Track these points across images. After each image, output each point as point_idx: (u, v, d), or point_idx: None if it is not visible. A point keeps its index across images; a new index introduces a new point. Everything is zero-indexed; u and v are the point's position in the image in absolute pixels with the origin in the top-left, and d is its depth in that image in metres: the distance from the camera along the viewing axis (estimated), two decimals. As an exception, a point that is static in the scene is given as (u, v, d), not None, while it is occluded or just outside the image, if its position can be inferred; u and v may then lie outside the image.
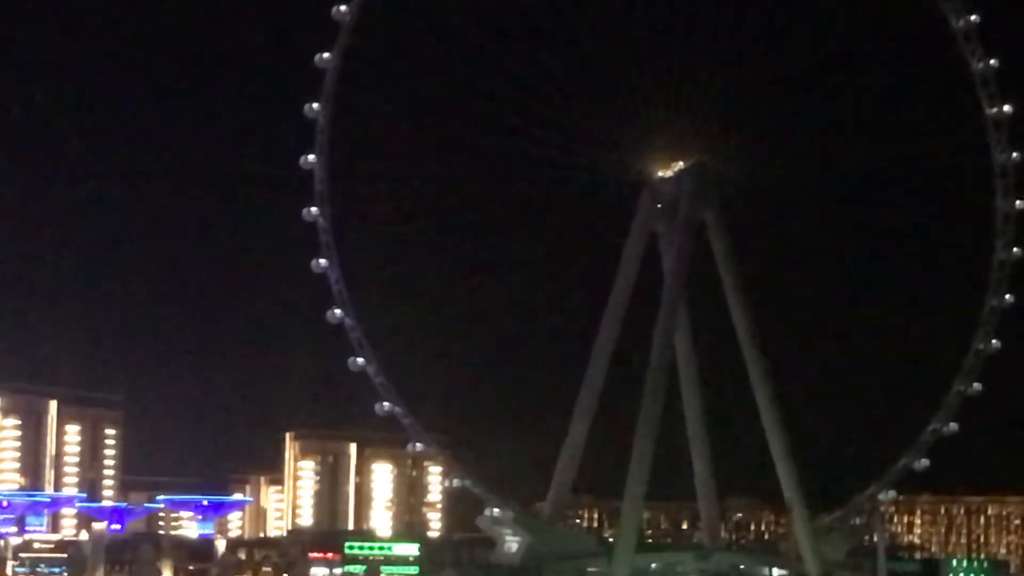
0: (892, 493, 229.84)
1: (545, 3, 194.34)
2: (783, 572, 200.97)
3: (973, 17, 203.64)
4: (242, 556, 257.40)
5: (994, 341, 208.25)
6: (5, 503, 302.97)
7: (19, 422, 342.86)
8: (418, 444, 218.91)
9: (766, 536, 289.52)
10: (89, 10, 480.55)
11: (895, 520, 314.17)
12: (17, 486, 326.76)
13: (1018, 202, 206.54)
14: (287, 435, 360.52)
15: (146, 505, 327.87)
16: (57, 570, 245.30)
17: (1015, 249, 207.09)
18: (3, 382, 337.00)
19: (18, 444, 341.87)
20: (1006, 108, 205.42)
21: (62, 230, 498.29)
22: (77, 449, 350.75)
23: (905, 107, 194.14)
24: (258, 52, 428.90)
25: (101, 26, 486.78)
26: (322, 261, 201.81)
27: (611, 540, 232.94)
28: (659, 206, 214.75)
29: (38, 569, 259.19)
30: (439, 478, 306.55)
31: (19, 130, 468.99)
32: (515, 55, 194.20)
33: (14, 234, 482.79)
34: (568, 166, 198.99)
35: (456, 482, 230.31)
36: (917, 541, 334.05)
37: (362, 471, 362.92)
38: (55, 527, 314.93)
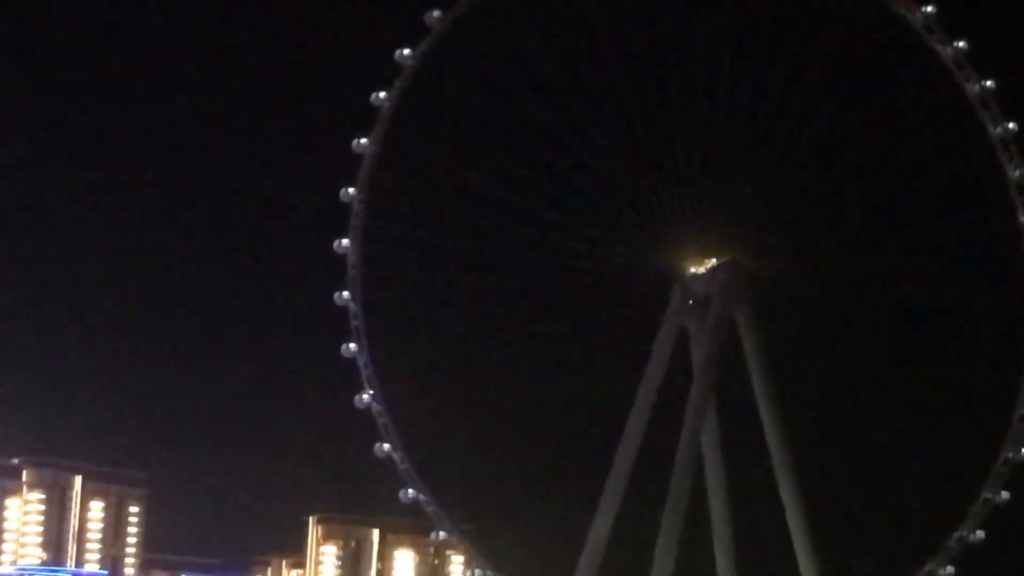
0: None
1: (586, 108, 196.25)
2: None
3: (1011, 125, 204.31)
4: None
5: (1023, 451, 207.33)
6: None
7: (43, 496, 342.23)
8: (441, 532, 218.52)
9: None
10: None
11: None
12: (39, 561, 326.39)
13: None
14: (311, 519, 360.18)
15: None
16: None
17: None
18: (29, 456, 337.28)
19: (42, 519, 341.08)
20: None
21: (91, 312, 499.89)
22: (100, 525, 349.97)
23: (942, 216, 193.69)
24: (293, 138, 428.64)
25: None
26: (352, 346, 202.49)
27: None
28: (690, 302, 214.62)
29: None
30: (461, 567, 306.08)
31: (41, 204, 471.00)
32: (553, 153, 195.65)
33: (44, 313, 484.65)
34: (603, 263, 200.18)
35: (479, 572, 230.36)
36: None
37: (384, 557, 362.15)
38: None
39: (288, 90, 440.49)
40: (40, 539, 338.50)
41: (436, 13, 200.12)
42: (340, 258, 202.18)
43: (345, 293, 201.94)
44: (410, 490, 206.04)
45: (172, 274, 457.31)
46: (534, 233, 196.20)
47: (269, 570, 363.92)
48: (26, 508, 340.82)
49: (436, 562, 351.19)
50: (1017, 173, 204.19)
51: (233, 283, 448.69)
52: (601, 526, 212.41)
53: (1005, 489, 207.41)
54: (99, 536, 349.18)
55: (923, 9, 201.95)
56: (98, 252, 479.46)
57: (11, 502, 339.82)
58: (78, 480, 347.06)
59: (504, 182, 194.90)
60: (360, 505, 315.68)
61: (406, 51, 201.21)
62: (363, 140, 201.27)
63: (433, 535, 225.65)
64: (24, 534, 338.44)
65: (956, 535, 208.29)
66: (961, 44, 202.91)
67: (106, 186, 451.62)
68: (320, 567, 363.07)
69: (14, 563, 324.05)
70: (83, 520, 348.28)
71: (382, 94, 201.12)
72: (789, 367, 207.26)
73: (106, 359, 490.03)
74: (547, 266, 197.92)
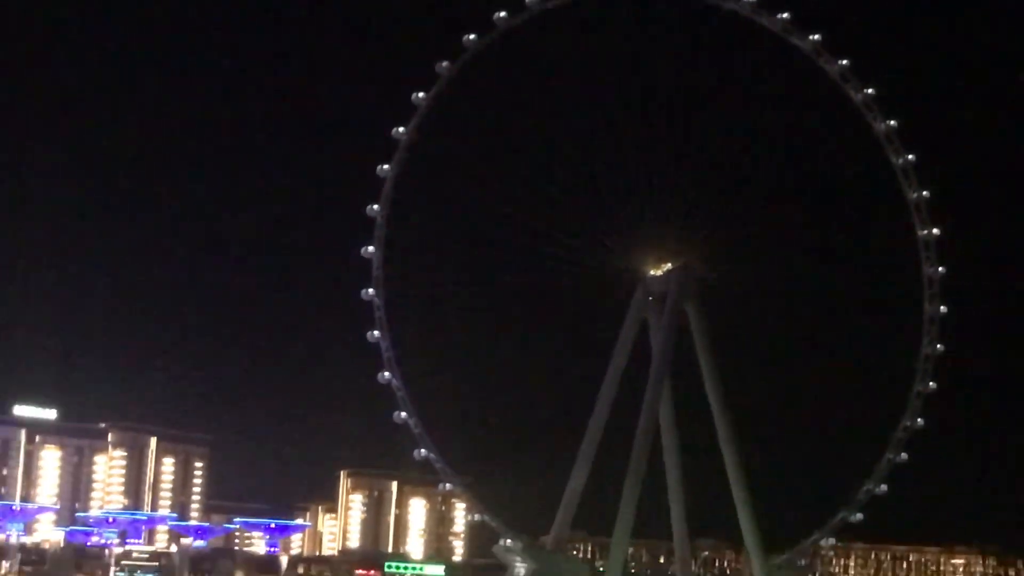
0: (831, 540, 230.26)
1: (574, 147, 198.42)
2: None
3: (911, 156, 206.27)
4: (300, 571, 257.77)
5: (919, 419, 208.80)
6: (111, 519, 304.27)
7: (125, 454, 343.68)
8: (447, 484, 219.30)
9: (728, 571, 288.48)
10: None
11: (833, 563, 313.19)
12: (121, 506, 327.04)
13: (942, 307, 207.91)
14: (342, 472, 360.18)
15: (225, 525, 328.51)
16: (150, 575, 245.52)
17: (938, 345, 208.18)
18: (113, 421, 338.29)
19: (123, 472, 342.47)
20: (935, 231, 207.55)
21: (164, 304, 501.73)
22: (171, 477, 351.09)
23: (850, 231, 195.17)
24: (333, 171, 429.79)
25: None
26: (375, 333, 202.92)
27: (601, 569, 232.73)
28: (650, 299, 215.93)
29: (135, 574, 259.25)
30: (463, 513, 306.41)
31: (123, 205, 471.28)
32: (547, 183, 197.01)
33: (126, 305, 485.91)
34: (580, 266, 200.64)
35: (477, 517, 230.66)
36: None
37: (401, 504, 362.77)
38: (150, 540, 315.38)
39: (327, 127, 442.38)
40: (122, 489, 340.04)
41: (444, 63, 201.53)
42: (366, 262, 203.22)
43: (371, 291, 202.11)
44: (422, 450, 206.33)
45: (234, 274, 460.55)
46: (529, 243, 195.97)
47: (307, 514, 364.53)
48: (111, 464, 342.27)
49: (443, 508, 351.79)
50: (915, 195, 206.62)
51: (282, 283, 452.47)
52: (576, 480, 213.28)
53: (904, 452, 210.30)
54: (170, 486, 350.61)
55: (840, 62, 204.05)
56: (176, 253, 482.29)
57: (99, 459, 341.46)
58: (153, 441, 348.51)
59: (503, 202, 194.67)
60: (382, 462, 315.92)
61: (420, 94, 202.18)
62: (385, 166, 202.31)
63: (441, 487, 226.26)
64: (109, 485, 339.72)
65: (864, 488, 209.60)
66: (870, 91, 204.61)
67: (177, 193, 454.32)
68: (349, 512, 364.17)
69: (101, 507, 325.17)
70: (157, 473, 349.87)
71: (400, 128, 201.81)
72: (729, 350, 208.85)
73: (176, 341, 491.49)
74: (538, 269, 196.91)
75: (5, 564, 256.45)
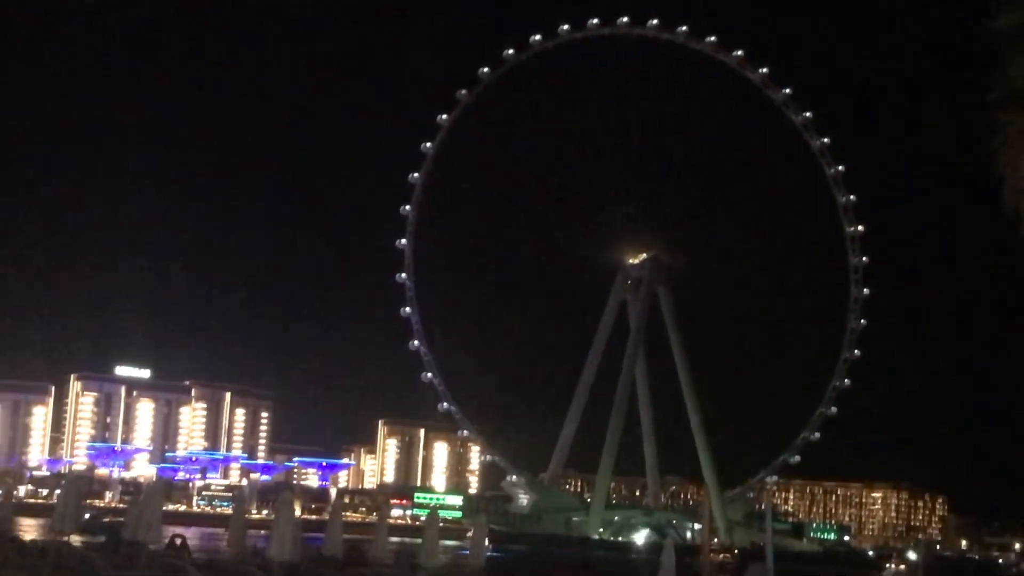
0: (774, 477, 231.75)
1: (568, 162, 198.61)
2: (700, 526, 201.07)
3: (840, 167, 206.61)
4: (346, 500, 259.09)
5: (846, 380, 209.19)
6: (194, 458, 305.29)
7: (205, 406, 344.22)
8: (465, 431, 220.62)
9: (691, 502, 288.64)
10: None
11: (776, 495, 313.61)
12: (202, 448, 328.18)
13: (865, 290, 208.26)
14: (379, 421, 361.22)
15: (285, 464, 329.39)
16: (225, 504, 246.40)
17: (861, 320, 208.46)
18: (196, 379, 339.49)
19: (204, 421, 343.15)
20: (860, 228, 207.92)
21: (237, 281, 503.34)
22: (242, 425, 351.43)
23: (790, 229, 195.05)
24: (367, 172, 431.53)
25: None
26: (407, 309, 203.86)
27: (588, 500, 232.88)
28: (628, 283, 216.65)
29: (213, 503, 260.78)
30: (478, 454, 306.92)
31: (204, 191, 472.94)
32: (545, 187, 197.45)
33: (204, 280, 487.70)
34: (573, 255, 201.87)
35: (489, 457, 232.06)
36: (790, 510, 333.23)
37: (427, 447, 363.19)
38: (225, 475, 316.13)
39: (369, 141, 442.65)
40: (203, 434, 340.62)
41: (463, 91, 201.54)
42: (400, 252, 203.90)
43: (403, 275, 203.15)
44: (445, 404, 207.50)
45: (293, 261, 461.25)
46: (532, 238, 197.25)
47: (352, 455, 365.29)
48: (194, 414, 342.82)
49: (461, 450, 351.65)
50: (844, 199, 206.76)
51: (332, 269, 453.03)
52: (568, 428, 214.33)
53: (834, 406, 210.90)
54: (241, 432, 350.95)
55: (783, 91, 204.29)
56: (247, 242, 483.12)
57: (184, 409, 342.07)
58: (228, 395, 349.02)
59: (512, 205, 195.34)
60: (412, 413, 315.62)
61: (443, 116, 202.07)
62: (415, 174, 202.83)
63: (460, 433, 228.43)
64: (192, 430, 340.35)
65: (801, 435, 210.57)
66: (807, 114, 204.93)
67: (250, 188, 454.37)
68: (386, 453, 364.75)
69: (186, 449, 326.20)
70: (231, 421, 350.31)
71: (428, 144, 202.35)
72: (692, 324, 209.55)
73: (247, 314, 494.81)
74: (539, 258, 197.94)
75: (109, 494, 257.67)
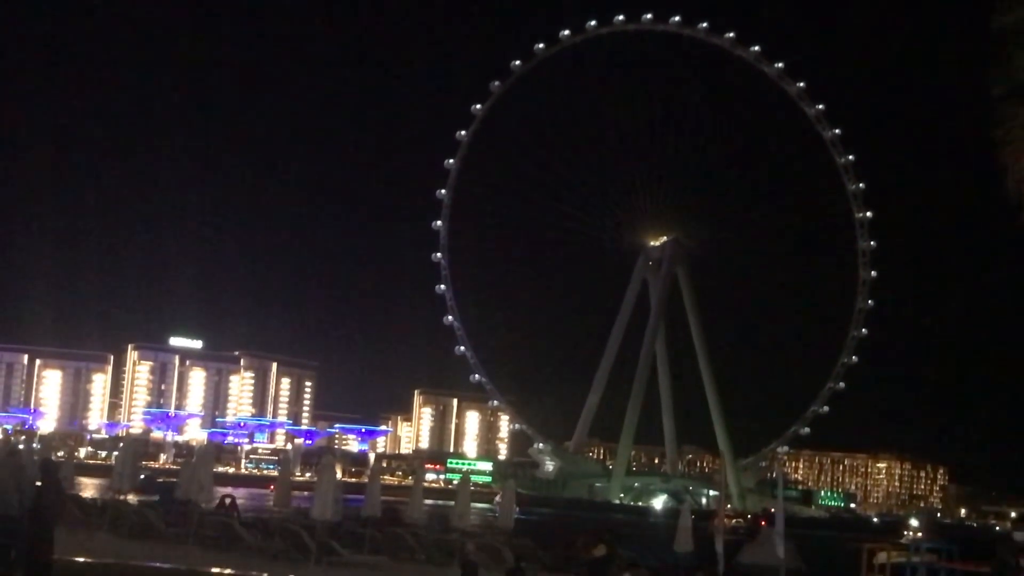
0: (785, 447, 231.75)
1: (597, 151, 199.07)
2: (716, 493, 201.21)
3: (851, 156, 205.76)
4: (384, 464, 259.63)
5: (853, 357, 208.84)
6: (242, 424, 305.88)
7: (253, 375, 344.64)
8: (495, 402, 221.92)
9: (706, 470, 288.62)
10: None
11: (786, 465, 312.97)
12: (250, 414, 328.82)
13: (872, 272, 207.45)
14: (415, 391, 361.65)
15: (327, 430, 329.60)
16: (271, 467, 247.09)
17: (869, 301, 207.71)
18: (244, 349, 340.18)
19: (252, 389, 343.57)
20: (868, 214, 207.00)
21: (287, 259, 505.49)
22: (287, 393, 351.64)
23: (802, 215, 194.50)
24: (405, 157, 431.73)
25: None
26: (442, 287, 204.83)
27: (611, 467, 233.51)
28: (650, 263, 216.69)
29: (260, 466, 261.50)
30: (507, 423, 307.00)
31: (261, 185, 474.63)
32: (574, 174, 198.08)
33: (253, 259, 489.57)
34: (598, 239, 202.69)
35: (517, 426, 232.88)
36: (800, 478, 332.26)
37: (460, 416, 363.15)
38: (271, 440, 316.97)
39: (409, 128, 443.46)
40: (251, 401, 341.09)
41: (496, 83, 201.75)
42: (435, 233, 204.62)
43: (438, 255, 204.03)
44: (476, 375, 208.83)
45: (338, 240, 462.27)
46: (561, 222, 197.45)
47: (390, 422, 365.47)
48: (242, 383, 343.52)
49: (492, 419, 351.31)
50: (853, 187, 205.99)
51: (373, 248, 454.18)
52: (592, 399, 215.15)
53: (842, 381, 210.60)
54: (286, 399, 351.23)
55: (797, 84, 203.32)
56: (292, 220, 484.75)
57: (233, 378, 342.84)
58: (274, 365, 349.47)
59: (543, 190, 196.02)
60: (446, 384, 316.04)
61: (477, 106, 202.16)
62: (451, 160, 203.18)
63: (490, 403, 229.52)
64: (241, 398, 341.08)
65: (811, 409, 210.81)
66: (820, 107, 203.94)
67: (292, 177, 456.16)
68: (421, 421, 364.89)
69: (235, 415, 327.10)
70: (277, 390, 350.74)
71: (463, 132, 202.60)
72: (709, 302, 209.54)
73: (293, 290, 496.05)
74: (568, 241, 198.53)
75: (163, 456, 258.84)
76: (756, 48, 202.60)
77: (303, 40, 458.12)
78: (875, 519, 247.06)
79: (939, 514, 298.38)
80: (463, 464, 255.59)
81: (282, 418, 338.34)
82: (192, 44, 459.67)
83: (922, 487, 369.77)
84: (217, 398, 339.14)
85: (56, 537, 27.21)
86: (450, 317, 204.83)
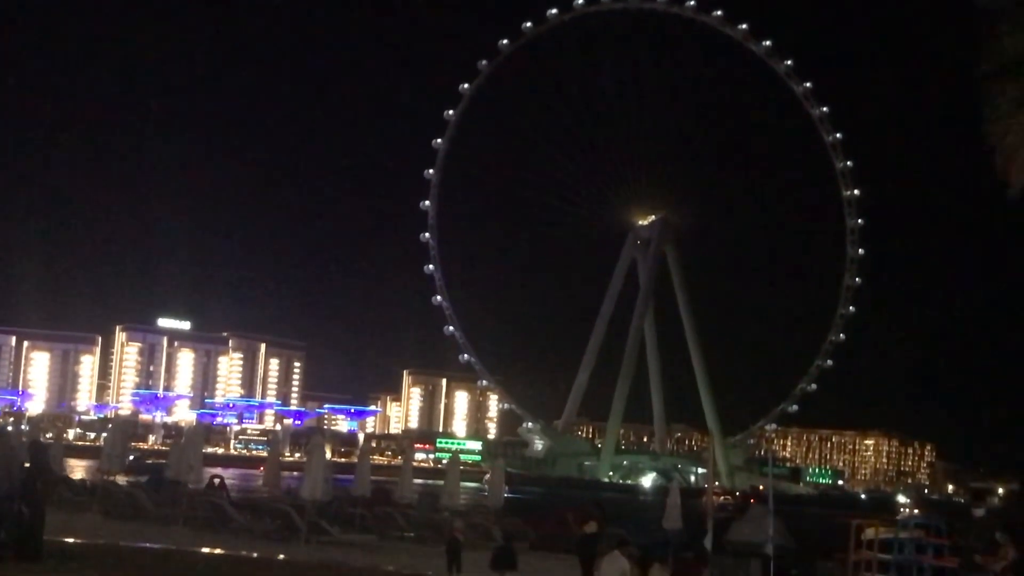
0: (773, 425, 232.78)
1: (585, 132, 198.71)
2: (704, 471, 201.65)
3: (838, 135, 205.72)
4: (374, 444, 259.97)
5: (841, 335, 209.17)
6: (231, 405, 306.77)
7: (241, 356, 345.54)
8: (484, 381, 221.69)
9: (695, 448, 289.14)
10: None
11: (775, 442, 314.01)
12: (239, 395, 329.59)
13: (860, 250, 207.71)
14: (404, 371, 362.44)
15: (316, 410, 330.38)
16: (260, 447, 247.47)
17: (856, 279, 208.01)
18: (232, 330, 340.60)
19: (241, 370, 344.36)
20: (856, 192, 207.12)
21: (273, 241, 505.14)
22: (276, 374, 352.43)
23: (789, 192, 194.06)
24: (394, 138, 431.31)
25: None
26: (430, 267, 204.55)
27: (599, 446, 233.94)
28: (638, 242, 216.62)
29: (249, 446, 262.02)
30: (496, 402, 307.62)
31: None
32: (563, 154, 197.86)
33: (248, 243, 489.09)
34: (586, 218, 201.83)
35: (506, 405, 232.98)
36: (788, 456, 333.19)
37: (449, 396, 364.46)
38: (260, 421, 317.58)
39: (396, 110, 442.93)
40: (239, 382, 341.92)
41: (483, 62, 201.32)
42: (423, 213, 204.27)
43: (427, 235, 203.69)
44: (465, 355, 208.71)
45: (325, 221, 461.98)
46: (550, 201, 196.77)
47: (379, 402, 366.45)
48: (231, 364, 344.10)
49: (481, 399, 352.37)
50: (841, 165, 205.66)
51: (361, 228, 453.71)
52: (581, 378, 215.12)
53: (829, 359, 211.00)
54: (275, 380, 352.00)
55: (784, 62, 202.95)
56: (280, 204, 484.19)
57: (222, 359, 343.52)
58: (263, 346, 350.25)
59: (530, 170, 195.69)
60: (435, 363, 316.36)
61: (465, 85, 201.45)
62: (438, 140, 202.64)
63: (479, 383, 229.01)
64: (229, 379, 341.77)
65: (799, 386, 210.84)
66: (807, 84, 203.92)
67: (285, 160, 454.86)
68: (410, 401, 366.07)
69: (224, 396, 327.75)
70: (265, 371, 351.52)
71: (451, 111, 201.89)
72: (697, 281, 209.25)
73: (281, 271, 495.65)
74: (556, 220, 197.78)
75: (152, 437, 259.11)
76: (743, 26, 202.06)
77: (290, 21, 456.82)
78: (863, 496, 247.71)
79: (926, 490, 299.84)
80: (452, 444, 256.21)
81: (271, 399, 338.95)
82: (181, 32, 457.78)
83: (910, 464, 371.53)
84: (206, 379, 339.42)
85: (46, 518, 27.25)
86: (439, 297, 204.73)
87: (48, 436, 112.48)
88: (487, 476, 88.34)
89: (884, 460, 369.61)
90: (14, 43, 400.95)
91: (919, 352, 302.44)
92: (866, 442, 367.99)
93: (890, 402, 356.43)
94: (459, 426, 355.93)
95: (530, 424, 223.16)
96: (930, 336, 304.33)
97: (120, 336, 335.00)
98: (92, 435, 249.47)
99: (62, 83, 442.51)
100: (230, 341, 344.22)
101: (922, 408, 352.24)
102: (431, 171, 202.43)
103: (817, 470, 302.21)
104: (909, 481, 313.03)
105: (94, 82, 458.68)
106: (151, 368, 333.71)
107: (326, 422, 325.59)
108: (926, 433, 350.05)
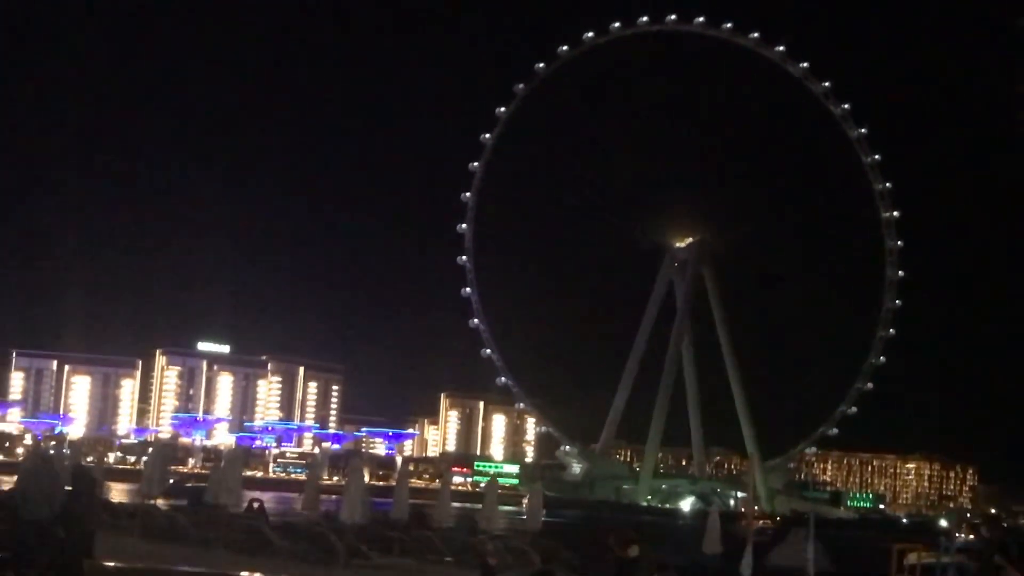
0: (813, 448, 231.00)
1: (624, 154, 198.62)
2: (744, 495, 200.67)
3: (877, 156, 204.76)
4: (411, 468, 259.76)
5: (881, 358, 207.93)
6: (270, 428, 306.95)
7: (280, 379, 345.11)
8: (521, 404, 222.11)
9: (734, 472, 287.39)
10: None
11: (815, 466, 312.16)
12: (277, 418, 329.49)
13: (900, 272, 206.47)
14: (442, 394, 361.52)
15: (354, 433, 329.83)
16: (299, 470, 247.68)
17: (896, 301, 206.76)
18: (271, 353, 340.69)
19: (279, 393, 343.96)
20: (895, 213, 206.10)
21: (313, 265, 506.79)
22: (314, 397, 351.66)
23: (827, 213, 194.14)
24: (430, 162, 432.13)
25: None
26: (467, 289, 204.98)
27: (638, 469, 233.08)
28: (675, 264, 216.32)
29: (288, 470, 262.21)
30: (534, 425, 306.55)
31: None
32: (601, 177, 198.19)
33: (285, 266, 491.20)
34: (622, 240, 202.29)
35: (544, 428, 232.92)
36: (828, 479, 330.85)
37: (486, 419, 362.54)
38: (299, 444, 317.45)
39: (430, 135, 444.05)
40: (278, 405, 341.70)
41: (520, 85, 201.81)
42: (460, 236, 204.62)
43: (464, 257, 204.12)
44: (502, 378, 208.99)
45: (364, 244, 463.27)
46: (588, 224, 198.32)
47: (417, 426, 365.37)
48: (270, 387, 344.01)
49: (518, 422, 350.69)
50: (880, 186, 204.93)
51: (399, 251, 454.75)
52: (619, 401, 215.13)
53: (869, 382, 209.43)
54: (313, 404, 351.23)
55: (822, 84, 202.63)
56: (319, 231, 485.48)
57: (261, 382, 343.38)
58: (301, 369, 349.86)
59: (569, 192, 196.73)
60: (472, 386, 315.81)
61: (501, 109, 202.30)
62: (475, 163, 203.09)
63: (517, 405, 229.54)
64: (268, 402, 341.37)
65: (839, 409, 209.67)
66: (846, 106, 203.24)
67: (325, 185, 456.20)
68: (448, 424, 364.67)
69: (263, 419, 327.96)
70: (304, 394, 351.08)
71: (487, 135, 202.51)
72: (735, 302, 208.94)
73: (320, 294, 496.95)
74: (594, 242, 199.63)
75: (192, 460, 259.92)
76: (780, 48, 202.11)
77: (328, 45, 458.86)
78: (904, 520, 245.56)
79: (969, 514, 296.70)
80: (490, 467, 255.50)
81: (309, 422, 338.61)
82: (214, 52, 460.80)
83: (951, 487, 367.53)
84: (245, 402, 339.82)
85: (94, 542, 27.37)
86: (476, 320, 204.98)
87: (89, 460, 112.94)
88: (525, 500, 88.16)
89: (925, 483, 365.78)
90: (52, 65, 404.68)
91: (960, 373, 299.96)
92: (907, 465, 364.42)
93: (931, 425, 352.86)
94: (496, 449, 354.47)
95: (568, 447, 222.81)
96: (970, 358, 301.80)
97: (160, 360, 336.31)
98: (132, 459, 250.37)
99: (101, 110, 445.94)
100: (269, 364, 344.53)
101: (964, 431, 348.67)
102: (468, 194, 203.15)
103: (858, 494, 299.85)
104: (951, 505, 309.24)
105: (134, 106, 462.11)
106: (191, 391, 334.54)
107: (364, 445, 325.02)
108: (968, 456, 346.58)
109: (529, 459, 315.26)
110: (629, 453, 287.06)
